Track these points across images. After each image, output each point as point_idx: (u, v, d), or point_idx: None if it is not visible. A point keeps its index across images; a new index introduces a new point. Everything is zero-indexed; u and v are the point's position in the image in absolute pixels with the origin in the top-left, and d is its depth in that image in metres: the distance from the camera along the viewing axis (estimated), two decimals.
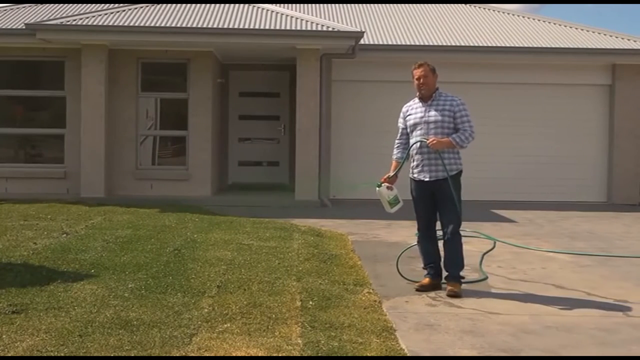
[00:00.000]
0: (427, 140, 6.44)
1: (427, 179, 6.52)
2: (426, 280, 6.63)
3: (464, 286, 6.50)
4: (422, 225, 6.74)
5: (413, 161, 6.63)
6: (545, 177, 14.99)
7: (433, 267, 6.66)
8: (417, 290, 6.51)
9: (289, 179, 15.32)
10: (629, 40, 15.39)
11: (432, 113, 6.50)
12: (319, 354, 4.57)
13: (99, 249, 7.93)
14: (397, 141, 6.81)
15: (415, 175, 6.62)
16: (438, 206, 6.56)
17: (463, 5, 18.19)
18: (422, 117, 6.54)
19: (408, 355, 4.68)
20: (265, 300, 5.89)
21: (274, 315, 5.43)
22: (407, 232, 10.12)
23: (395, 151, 6.83)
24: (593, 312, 5.94)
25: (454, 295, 6.26)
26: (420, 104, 6.62)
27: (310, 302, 5.87)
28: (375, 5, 17.92)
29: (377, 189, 6.79)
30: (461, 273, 6.58)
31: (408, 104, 6.79)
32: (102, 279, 6.51)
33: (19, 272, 6.65)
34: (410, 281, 6.86)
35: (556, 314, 5.88)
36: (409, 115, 6.68)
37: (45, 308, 5.46)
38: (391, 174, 6.74)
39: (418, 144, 6.53)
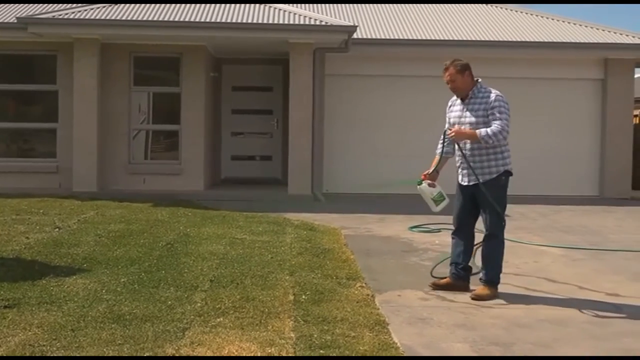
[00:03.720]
0: (452, 131, 6.20)
1: (464, 183, 6.30)
2: (444, 280, 6.41)
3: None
4: (455, 225, 6.46)
5: (457, 162, 6.42)
6: (538, 171, 14.99)
7: (455, 268, 6.39)
8: (433, 288, 6.29)
9: (282, 173, 15.31)
10: (621, 34, 15.41)
11: (467, 114, 6.21)
12: (312, 348, 4.57)
13: (92, 244, 7.91)
14: (442, 135, 6.48)
15: (458, 177, 6.38)
16: (479, 208, 6.29)
17: None
18: (459, 117, 6.28)
19: (400, 348, 4.69)
20: (258, 294, 5.89)
21: (266, 310, 5.43)
22: (400, 226, 10.14)
23: (438, 145, 6.48)
24: (585, 306, 5.96)
25: (477, 298, 6.03)
26: (460, 102, 6.35)
27: (303, 296, 5.88)
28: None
29: (418, 187, 6.43)
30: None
31: (453, 98, 6.47)
32: (94, 274, 6.50)
33: (11, 267, 6.64)
34: (436, 278, 6.60)
35: (548, 308, 5.90)
36: (450, 112, 6.44)
37: (37, 302, 5.45)
38: (431, 169, 6.45)
39: (456, 145, 6.31)
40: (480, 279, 6.26)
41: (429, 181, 6.42)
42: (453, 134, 6.20)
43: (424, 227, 10.01)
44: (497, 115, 6.06)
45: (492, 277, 6.19)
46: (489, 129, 6.03)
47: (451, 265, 6.45)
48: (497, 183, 6.18)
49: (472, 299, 6.07)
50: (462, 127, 6.21)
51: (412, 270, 7.29)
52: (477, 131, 6.06)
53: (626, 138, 15.19)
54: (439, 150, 6.49)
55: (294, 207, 12.04)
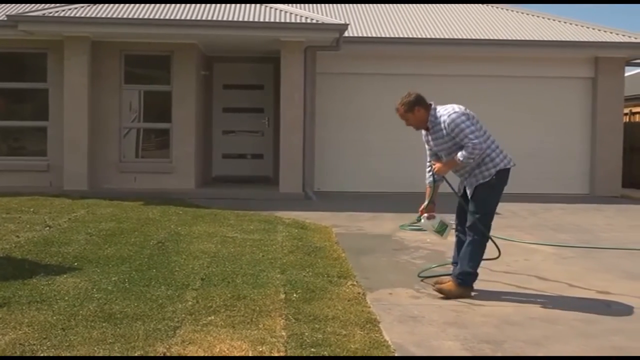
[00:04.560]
0: (434, 168, 6.25)
1: (459, 195, 6.35)
2: (447, 281, 6.34)
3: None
4: (456, 222, 6.45)
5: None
6: (528, 170, 14.96)
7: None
8: (435, 289, 6.22)
9: (273, 171, 15.30)
10: (611, 33, 15.47)
11: (436, 142, 6.21)
12: (303, 346, 4.57)
13: (82, 242, 7.89)
14: (427, 164, 6.44)
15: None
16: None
17: None
18: (433, 148, 6.29)
19: (391, 347, 4.69)
20: (249, 292, 5.88)
21: (258, 308, 5.43)
22: (391, 225, 10.15)
23: (426, 175, 6.46)
24: (575, 303, 5.98)
25: (438, 290, 6.08)
26: (427, 133, 6.34)
27: (294, 295, 5.87)
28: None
29: (418, 223, 6.49)
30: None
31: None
32: (85, 272, 6.48)
33: (1, 265, 6.61)
34: (422, 278, 6.70)
35: (539, 306, 5.92)
36: (427, 142, 6.39)
37: (27, 301, 5.43)
38: (426, 202, 6.40)
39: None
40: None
41: (426, 214, 6.41)
42: (436, 170, 6.23)
43: (415, 226, 10.00)
44: (461, 135, 5.98)
45: (458, 274, 6.15)
46: (464, 152, 5.97)
47: (453, 265, 6.45)
48: (487, 183, 6.15)
49: (434, 289, 6.12)
50: (442, 159, 6.23)
51: (403, 269, 7.30)
52: (456, 158, 6.04)
53: (616, 136, 15.26)
54: (428, 181, 6.44)
55: (285, 205, 12.04)
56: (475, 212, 6.13)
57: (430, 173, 6.38)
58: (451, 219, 6.52)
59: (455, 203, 6.42)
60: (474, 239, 6.15)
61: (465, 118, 6.03)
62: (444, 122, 6.05)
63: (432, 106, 6.21)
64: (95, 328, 4.82)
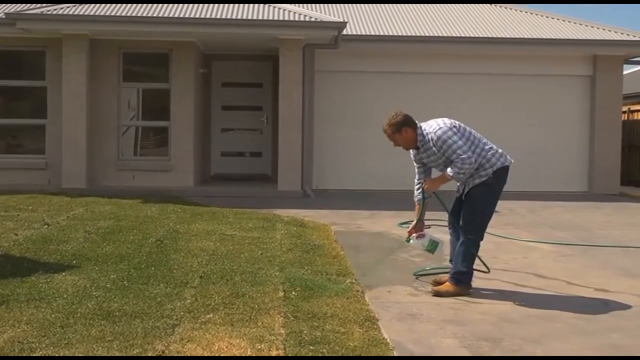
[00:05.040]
0: (425, 186, 6.23)
1: (457, 195, 6.32)
2: (444, 280, 6.33)
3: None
4: (449, 220, 6.44)
5: None
6: (527, 167, 14.97)
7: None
8: (432, 290, 6.20)
9: (272, 169, 15.31)
10: (609, 31, 15.47)
11: (428, 160, 6.19)
12: (302, 344, 4.57)
13: (81, 240, 7.89)
14: (415, 181, 6.36)
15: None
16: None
17: None
18: (428, 164, 6.26)
19: (390, 344, 4.69)
20: (248, 290, 5.89)
21: (256, 306, 5.43)
22: (390, 222, 10.15)
23: (415, 192, 6.35)
24: (573, 301, 5.99)
25: (435, 294, 6.07)
26: (417, 152, 6.29)
27: (293, 293, 5.88)
28: None
29: (408, 243, 6.51)
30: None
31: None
32: (83, 270, 6.49)
33: (0, 264, 6.61)
34: (417, 276, 6.72)
35: (537, 303, 5.91)
36: (415, 161, 6.35)
37: (26, 299, 5.43)
38: (414, 222, 6.38)
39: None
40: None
41: (415, 234, 6.38)
42: (426, 188, 6.20)
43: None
44: (449, 151, 5.92)
45: (453, 274, 6.16)
46: (453, 167, 5.92)
47: (450, 262, 6.42)
48: (484, 183, 6.12)
49: (432, 288, 6.12)
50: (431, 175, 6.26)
51: (401, 266, 7.30)
52: (446, 174, 6.00)
53: (615, 134, 15.26)
54: (417, 199, 6.36)
55: (283, 203, 12.05)
56: (469, 211, 6.13)
57: (420, 190, 6.31)
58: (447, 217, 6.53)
59: (452, 200, 6.40)
60: (466, 238, 6.14)
61: (452, 133, 5.97)
62: (432, 139, 6.00)
63: (418, 125, 6.14)
64: (94, 326, 4.82)
